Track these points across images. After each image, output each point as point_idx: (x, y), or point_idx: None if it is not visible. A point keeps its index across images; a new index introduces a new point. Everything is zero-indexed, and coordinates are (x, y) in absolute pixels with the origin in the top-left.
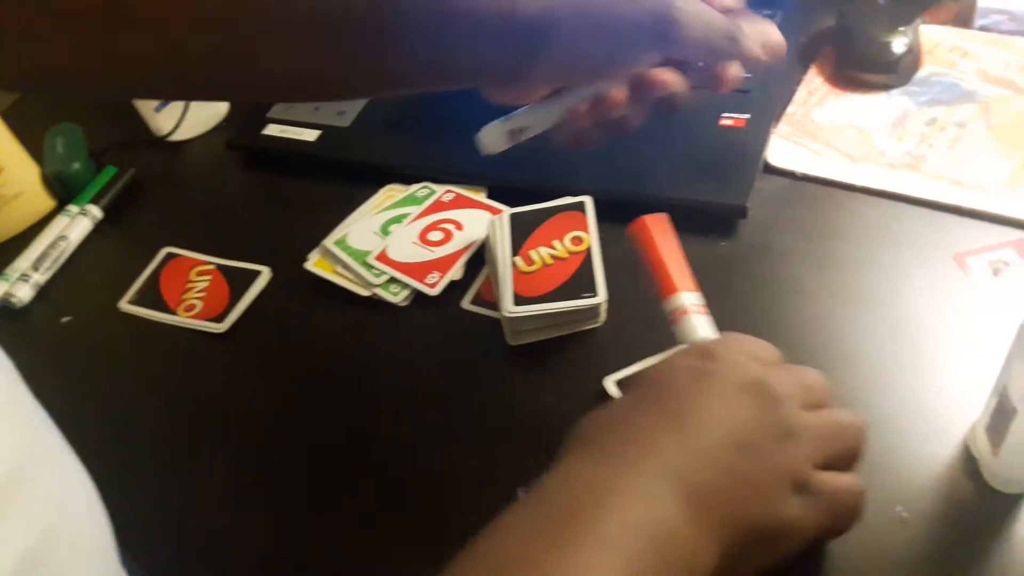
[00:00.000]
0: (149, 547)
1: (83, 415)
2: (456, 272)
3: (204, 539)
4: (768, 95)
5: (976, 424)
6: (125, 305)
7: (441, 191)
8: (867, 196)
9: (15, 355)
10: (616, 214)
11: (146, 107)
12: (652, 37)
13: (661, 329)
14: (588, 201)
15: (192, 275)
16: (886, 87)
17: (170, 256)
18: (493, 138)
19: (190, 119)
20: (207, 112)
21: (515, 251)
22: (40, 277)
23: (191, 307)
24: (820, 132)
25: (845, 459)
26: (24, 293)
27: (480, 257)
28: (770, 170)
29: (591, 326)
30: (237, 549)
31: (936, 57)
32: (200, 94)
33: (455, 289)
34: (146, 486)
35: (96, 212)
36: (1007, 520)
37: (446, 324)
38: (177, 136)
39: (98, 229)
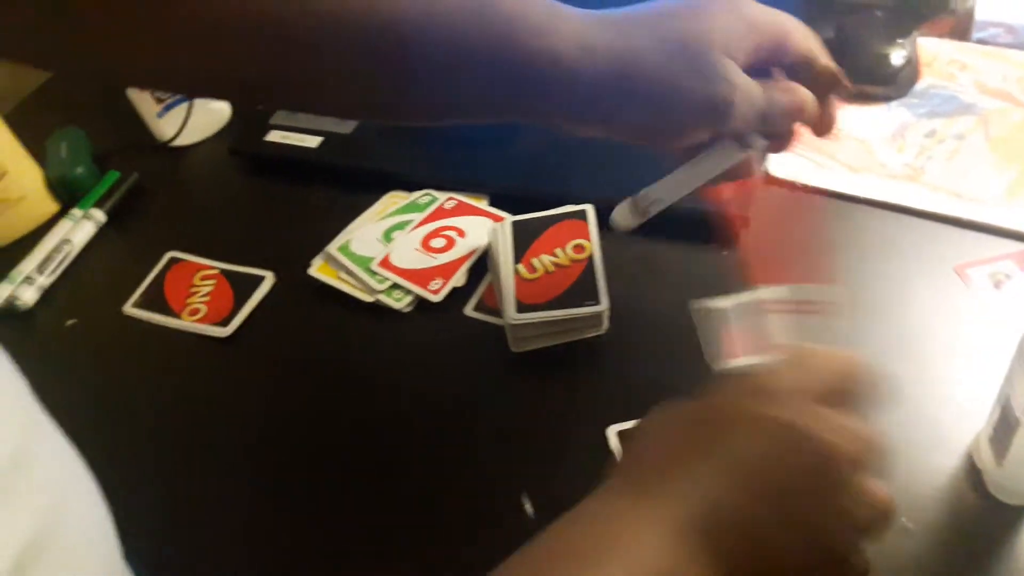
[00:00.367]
0: (152, 546)
1: (86, 416)
2: (459, 279)
3: (205, 540)
4: None
5: (980, 435)
6: (129, 308)
7: (443, 198)
8: (868, 207)
9: (19, 357)
10: None
11: (148, 112)
12: (712, 119)
13: (664, 338)
14: (590, 209)
15: (196, 279)
16: (885, 99)
17: (174, 260)
18: (624, 216)
19: (192, 125)
20: (209, 118)
21: (517, 258)
22: (44, 280)
23: (195, 311)
24: (821, 143)
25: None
26: (29, 296)
27: (482, 264)
28: (772, 181)
29: (593, 334)
30: (237, 550)
31: (935, 69)
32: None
33: (458, 296)
34: (148, 487)
35: (100, 216)
36: (1011, 531)
37: (449, 330)
38: (179, 141)
39: (101, 233)
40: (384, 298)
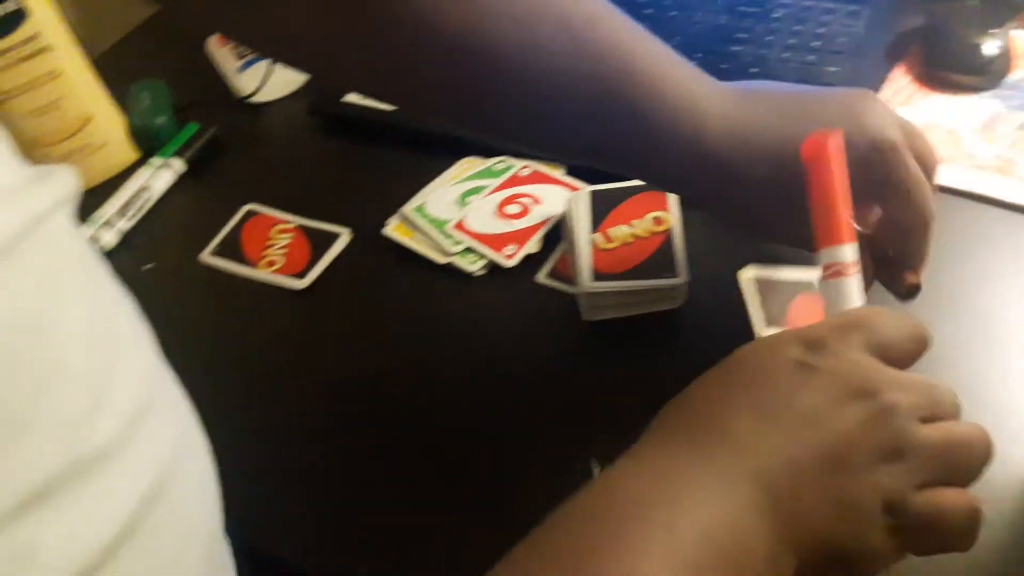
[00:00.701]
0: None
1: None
2: (533, 245)
3: (277, 489)
4: None
5: None
6: (207, 257)
7: (519, 166)
8: (954, 197)
9: None
10: None
11: (229, 68)
12: None
13: (739, 315)
14: None
15: (273, 233)
16: (975, 89)
17: (251, 213)
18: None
19: (272, 82)
20: (288, 76)
21: (594, 228)
22: (124, 224)
23: (272, 263)
24: None
25: (962, 477)
26: (109, 238)
27: (556, 233)
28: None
29: (668, 307)
30: (306, 501)
31: None
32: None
33: (530, 262)
34: (219, 435)
35: (179, 165)
36: None
37: (520, 296)
38: (259, 98)
39: (180, 182)
40: (457, 260)
